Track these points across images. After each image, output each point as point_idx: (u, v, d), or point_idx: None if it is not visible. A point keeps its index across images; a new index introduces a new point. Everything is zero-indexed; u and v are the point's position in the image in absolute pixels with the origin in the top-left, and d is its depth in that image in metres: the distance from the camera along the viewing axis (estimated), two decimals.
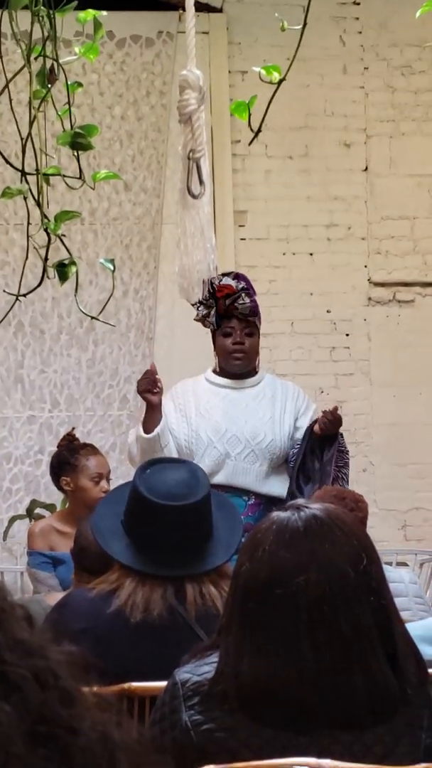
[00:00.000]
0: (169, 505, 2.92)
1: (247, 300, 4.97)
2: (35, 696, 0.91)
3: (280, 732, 2.09)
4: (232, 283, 4.98)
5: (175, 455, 4.86)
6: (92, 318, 3.04)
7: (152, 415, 4.92)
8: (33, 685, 0.91)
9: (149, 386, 4.87)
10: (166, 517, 2.92)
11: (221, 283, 4.97)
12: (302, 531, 2.12)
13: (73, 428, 5.75)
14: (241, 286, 4.98)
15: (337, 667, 2.07)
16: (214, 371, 5.11)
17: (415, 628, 2.87)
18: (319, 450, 4.95)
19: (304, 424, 5.03)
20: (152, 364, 5.06)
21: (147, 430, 4.92)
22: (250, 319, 5.00)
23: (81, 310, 3.34)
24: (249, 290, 5.01)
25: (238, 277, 5.05)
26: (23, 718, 0.89)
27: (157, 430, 4.90)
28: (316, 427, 4.92)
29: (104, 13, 3.16)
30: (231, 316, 4.98)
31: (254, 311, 5.01)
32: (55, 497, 6.27)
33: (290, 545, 2.11)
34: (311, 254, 7.16)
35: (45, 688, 0.92)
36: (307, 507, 2.17)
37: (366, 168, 7.23)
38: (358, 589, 2.09)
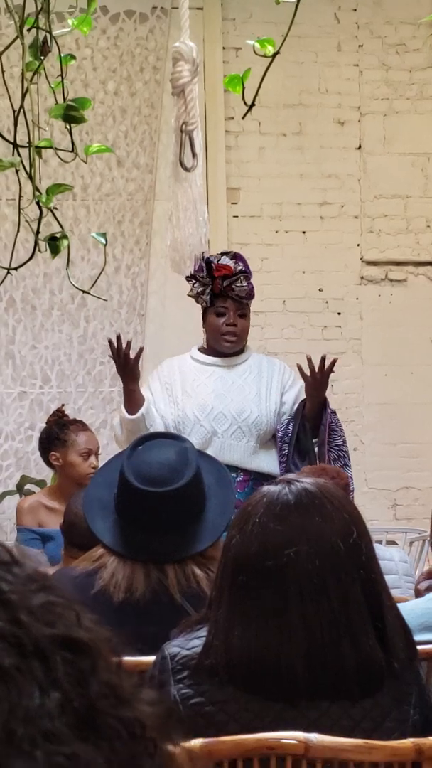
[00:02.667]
0: (151, 492, 2.89)
1: (245, 283, 4.96)
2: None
3: (269, 705, 2.09)
4: (231, 263, 4.96)
5: None
6: (83, 292, 3.03)
7: (132, 396, 4.91)
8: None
9: (125, 350, 4.82)
10: (147, 503, 2.90)
11: (219, 262, 4.95)
12: (293, 504, 2.12)
13: (63, 404, 5.74)
14: (239, 268, 4.97)
15: (326, 640, 2.07)
16: (200, 349, 5.10)
17: (412, 612, 2.87)
18: (312, 430, 4.95)
19: (289, 398, 5.02)
20: (116, 337, 4.95)
21: (131, 412, 4.90)
22: (245, 302, 5.00)
23: (72, 284, 3.33)
24: (246, 272, 4.99)
25: (236, 257, 5.02)
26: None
27: (141, 410, 4.89)
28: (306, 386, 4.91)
29: None
30: (226, 297, 4.96)
31: (250, 294, 5.01)
32: (45, 473, 6.26)
33: (281, 518, 2.11)
34: (304, 232, 7.14)
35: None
36: (298, 481, 2.17)
37: (360, 146, 7.21)
38: (347, 562, 2.10)
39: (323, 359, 4.90)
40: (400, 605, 2.38)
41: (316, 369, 4.88)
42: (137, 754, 0.90)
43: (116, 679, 0.93)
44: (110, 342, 4.93)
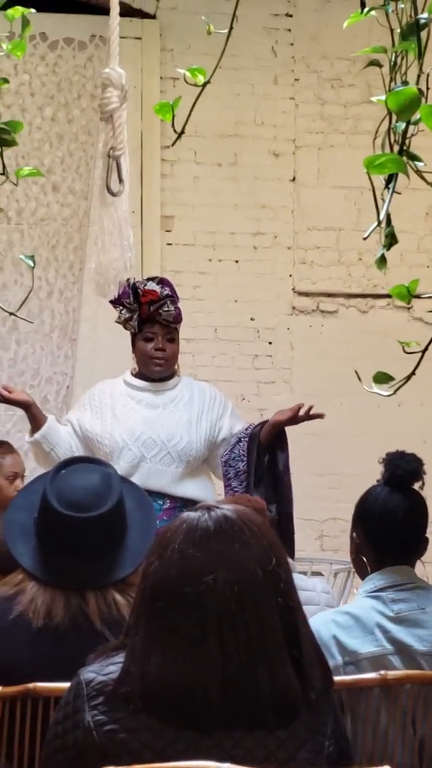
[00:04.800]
0: (73, 516, 2.87)
1: (172, 307, 4.98)
2: None
3: (184, 733, 2.08)
4: (157, 288, 4.98)
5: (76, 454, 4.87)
6: (10, 314, 3.03)
7: (32, 421, 4.94)
8: None
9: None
10: (70, 528, 2.87)
11: (146, 288, 4.97)
12: (212, 531, 2.11)
13: None
14: (165, 292, 4.99)
15: (243, 667, 2.06)
16: (132, 374, 5.11)
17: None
18: (269, 455, 5.01)
19: (225, 424, 5.05)
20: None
21: (31, 434, 4.97)
22: (173, 326, 5.01)
23: (0, 307, 3.32)
24: (173, 297, 5.01)
25: (162, 282, 5.05)
26: None
27: (36, 435, 4.92)
28: (275, 418, 4.94)
29: (33, 10, 3.12)
30: (154, 322, 4.98)
31: (177, 318, 5.02)
32: None
33: (200, 544, 2.10)
34: (237, 261, 7.17)
35: None
36: (218, 507, 2.16)
37: (294, 178, 7.26)
38: (265, 589, 2.09)
39: (310, 408, 4.94)
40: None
41: (302, 413, 4.91)
42: None
43: None
44: None
